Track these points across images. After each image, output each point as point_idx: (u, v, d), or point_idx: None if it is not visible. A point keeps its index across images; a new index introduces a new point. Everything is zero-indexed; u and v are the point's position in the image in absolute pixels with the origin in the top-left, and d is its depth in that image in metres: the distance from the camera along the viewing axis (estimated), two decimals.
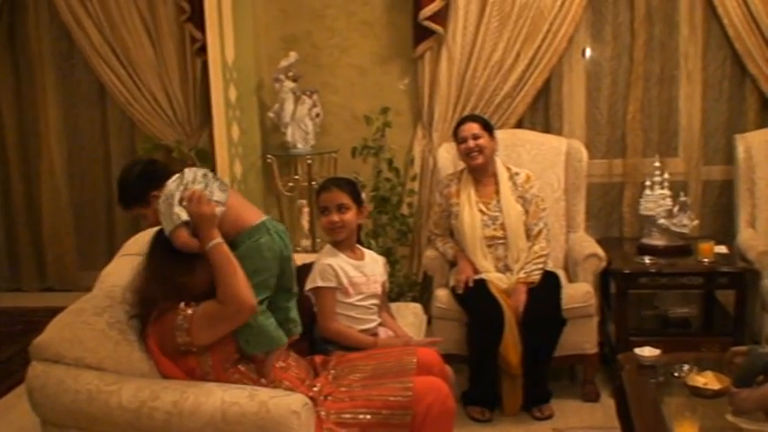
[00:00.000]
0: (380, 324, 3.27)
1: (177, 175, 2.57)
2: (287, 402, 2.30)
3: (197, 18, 4.79)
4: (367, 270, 3.25)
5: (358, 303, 3.18)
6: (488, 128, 4.06)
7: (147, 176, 2.85)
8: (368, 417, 2.55)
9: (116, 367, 2.44)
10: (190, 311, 2.45)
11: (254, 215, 2.62)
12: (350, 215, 3.20)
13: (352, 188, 3.27)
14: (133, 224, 5.59)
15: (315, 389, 2.67)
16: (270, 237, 2.58)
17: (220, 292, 2.41)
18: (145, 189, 2.82)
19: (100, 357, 2.43)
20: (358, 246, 3.33)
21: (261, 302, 2.52)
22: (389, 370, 2.74)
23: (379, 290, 3.26)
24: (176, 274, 2.50)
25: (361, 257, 3.29)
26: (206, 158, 4.84)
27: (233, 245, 2.52)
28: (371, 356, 2.87)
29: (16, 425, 3.81)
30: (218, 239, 2.46)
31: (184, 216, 2.47)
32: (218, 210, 2.51)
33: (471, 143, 3.98)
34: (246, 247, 2.54)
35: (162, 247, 2.54)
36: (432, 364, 2.87)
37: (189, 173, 2.56)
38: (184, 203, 2.48)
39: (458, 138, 4.07)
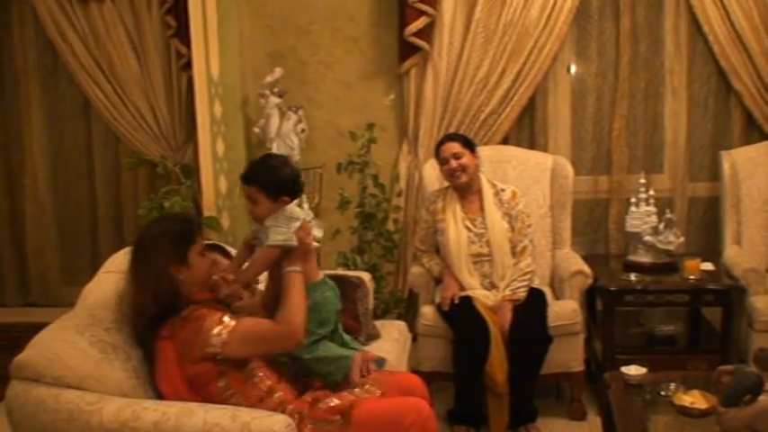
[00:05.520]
0: None
1: (298, 202, 2.81)
2: (269, 423, 2.27)
3: (183, 33, 4.78)
4: None
5: None
6: (469, 145, 4.05)
7: (293, 182, 2.80)
8: None
9: (97, 387, 2.40)
10: (232, 323, 2.50)
11: (317, 270, 2.86)
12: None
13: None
14: (116, 240, 5.56)
15: (306, 397, 2.69)
16: (332, 292, 2.87)
17: (283, 314, 2.57)
18: (283, 189, 2.75)
19: (81, 377, 2.40)
20: None
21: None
22: None
23: None
24: (169, 273, 2.55)
25: None
26: (191, 173, 4.81)
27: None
28: None
29: None
30: (300, 269, 2.68)
31: (295, 242, 2.69)
32: (315, 245, 2.80)
33: (453, 163, 3.97)
34: (314, 300, 2.77)
35: (156, 248, 2.57)
36: (413, 388, 2.85)
37: (306, 207, 2.86)
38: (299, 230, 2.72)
39: (439, 158, 4.06)
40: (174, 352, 2.50)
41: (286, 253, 2.71)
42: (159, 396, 2.58)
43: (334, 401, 2.66)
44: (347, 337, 2.97)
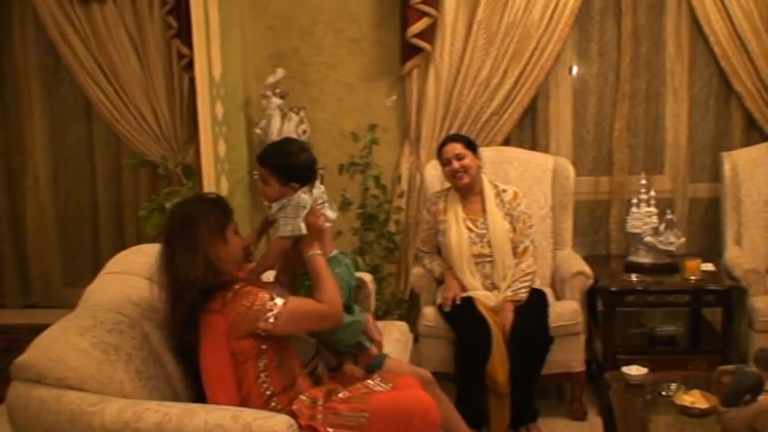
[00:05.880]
0: None
1: (308, 188, 2.86)
2: (271, 424, 2.27)
3: (184, 34, 4.79)
4: None
5: None
6: (471, 146, 4.05)
7: (305, 169, 2.87)
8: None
9: (99, 388, 2.40)
10: (282, 300, 2.59)
11: (329, 247, 2.95)
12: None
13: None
14: (117, 241, 5.57)
15: (321, 388, 2.76)
16: (342, 269, 2.95)
17: (323, 295, 2.70)
18: (294, 175, 2.84)
19: (82, 378, 2.39)
20: None
21: None
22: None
23: None
24: (211, 251, 2.59)
25: None
26: (192, 174, 4.82)
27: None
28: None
29: None
30: (319, 252, 2.79)
31: (303, 231, 2.78)
32: (327, 225, 2.89)
33: (456, 164, 3.97)
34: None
35: (198, 225, 2.61)
36: (411, 387, 2.86)
37: (317, 189, 2.91)
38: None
39: (442, 159, 4.06)
40: (224, 324, 2.54)
41: (300, 239, 2.79)
42: (195, 378, 2.64)
43: (346, 394, 2.72)
44: (360, 313, 3.07)
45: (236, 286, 2.59)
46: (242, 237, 2.78)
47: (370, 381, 2.84)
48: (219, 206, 2.70)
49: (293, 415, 2.50)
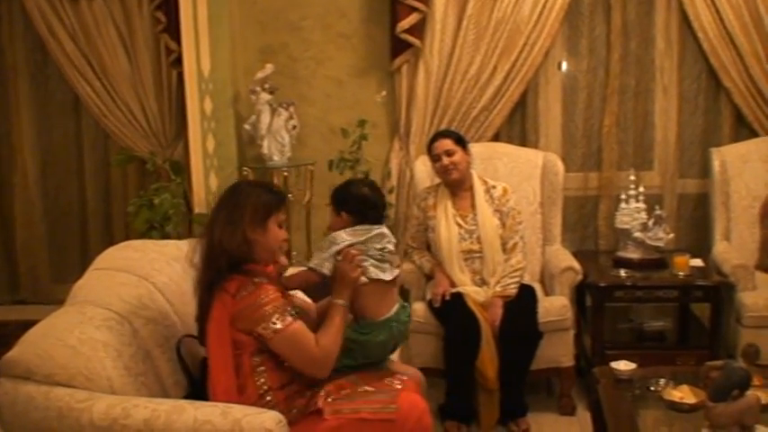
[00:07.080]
0: None
1: (365, 228, 2.83)
2: (261, 420, 2.28)
3: (173, 29, 4.76)
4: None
5: None
6: (461, 142, 4.05)
7: (357, 201, 2.89)
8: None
9: (87, 384, 2.39)
10: (290, 319, 2.56)
11: (385, 307, 2.88)
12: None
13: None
14: (106, 237, 5.54)
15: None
16: (390, 333, 2.88)
17: (323, 338, 2.63)
18: (344, 204, 2.89)
19: (71, 374, 2.39)
20: None
21: None
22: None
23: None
24: (249, 230, 2.60)
25: None
26: (181, 170, 4.80)
27: (356, 326, 2.84)
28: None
29: None
30: (345, 303, 2.73)
31: (326, 270, 2.76)
32: (362, 280, 2.77)
33: (446, 160, 3.98)
34: (367, 339, 2.85)
35: (245, 203, 2.63)
36: (405, 391, 2.87)
37: (376, 239, 2.84)
38: (339, 257, 2.76)
39: (431, 155, 4.07)
40: (232, 308, 2.54)
41: (332, 281, 2.76)
42: (185, 374, 2.72)
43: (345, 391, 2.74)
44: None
45: (258, 279, 2.59)
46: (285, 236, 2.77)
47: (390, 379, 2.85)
48: (273, 194, 2.72)
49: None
